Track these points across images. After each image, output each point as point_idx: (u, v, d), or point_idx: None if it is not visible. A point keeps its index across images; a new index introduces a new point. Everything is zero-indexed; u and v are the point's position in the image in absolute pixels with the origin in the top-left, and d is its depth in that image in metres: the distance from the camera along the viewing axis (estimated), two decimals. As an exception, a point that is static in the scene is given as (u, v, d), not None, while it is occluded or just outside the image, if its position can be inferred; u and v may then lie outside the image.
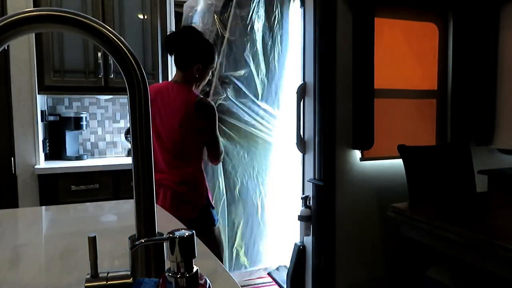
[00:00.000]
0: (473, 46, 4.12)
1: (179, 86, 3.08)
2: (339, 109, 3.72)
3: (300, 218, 3.87)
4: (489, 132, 4.11)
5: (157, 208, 1.01)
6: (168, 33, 3.30)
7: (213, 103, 3.19)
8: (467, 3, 4.05)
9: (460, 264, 3.13)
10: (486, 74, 4.09)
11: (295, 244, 4.07)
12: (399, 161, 3.52)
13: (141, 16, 4.39)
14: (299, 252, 4.00)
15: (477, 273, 3.00)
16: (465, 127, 4.17)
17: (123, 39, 0.89)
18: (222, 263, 3.02)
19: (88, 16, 0.86)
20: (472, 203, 3.16)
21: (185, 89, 3.07)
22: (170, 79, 4.66)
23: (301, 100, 3.90)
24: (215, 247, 3.22)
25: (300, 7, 3.90)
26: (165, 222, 1.91)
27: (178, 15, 4.93)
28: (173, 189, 3.06)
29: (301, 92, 3.88)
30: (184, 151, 3.11)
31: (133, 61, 0.89)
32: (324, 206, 3.73)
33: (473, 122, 4.20)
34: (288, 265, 4.16)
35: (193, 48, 3.10)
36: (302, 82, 3.91)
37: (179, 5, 5.00)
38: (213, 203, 3.40)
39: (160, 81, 4.50)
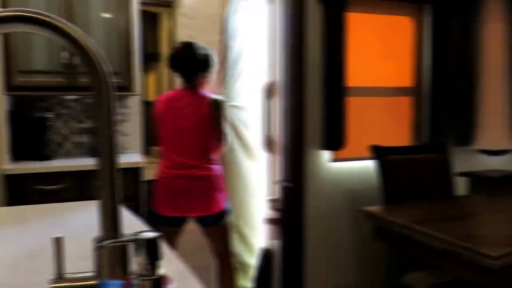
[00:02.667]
0: (452, 41, 4.08)
1: (191, 91, 3.51)
2: (309, 108, 3.69)
3: (267, 221, 3.85)
4: (470, 132, 4.07)
5: (123, 210, 1.00)
6: (170, 53, 3.68)
7: (224, 98, 3.75)
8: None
9: (437, 272, 3.06)
10: (466, 70, 4.05)
11: (262, 248, 4.05)
12: (373, 162, 3.51)
13: (106, 15, 4.36)
14: (266, 257, 3.97)
15: (455, 281, 2.93)
16: (443, 127, 4.10)
17: (88, 37, 0.88)
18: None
19: (53, 16, 0.85)
20: (449, 207, 3.14)
21: (197, 92, 3.51)
22: (135, 78, 4.65)
23: (268, 99, 3.88)
24: (228, 233, 3.70)
25: (269, 2, 3.86)
26: (130, 223, 1.90)
27: (144, 14, 4.91)
28: (208, 182, 3.47)
29: (269, 90, 3.87)
30: (209, 146, 3.51)
31: (97, 60, 0.88)
32: (293, 209, 3.70)
33: (452, 121, 4.14)
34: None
35: (192, 63, 3.47)
36: (270, 80, 3.88)
37: (146, 3, 4.97)
38: None
39: (125, 80, 4.46)
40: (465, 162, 4.07)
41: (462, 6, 4.03)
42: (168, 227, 3.44)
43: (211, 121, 3.45)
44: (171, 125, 3.47)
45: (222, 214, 3.53)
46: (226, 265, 3.69)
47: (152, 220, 3.36)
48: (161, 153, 3.60)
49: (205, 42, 3.72)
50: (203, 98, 3.47)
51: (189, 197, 3.43)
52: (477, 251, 2.15)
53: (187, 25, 4.92)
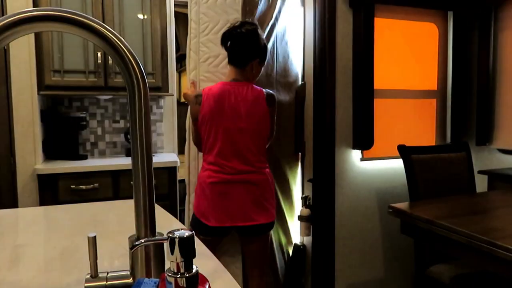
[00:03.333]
0: (472, 46, 4.14)
1: (243, 84, 3.06)
2: (339, 109, 3.74)
3: (300, 218, 3.86)
4: (489, 132, 4.11)
5: (157, 208, 1.01)
6: (229, 28, 3.10)
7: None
8: (466, 3, 4.05)
9: (460, 264, 3.15)
10: (486, 74, 4.08)
11: (295, 244, 4.07)
12: (399, 161, 3.53)
13: (141, 16, 4.39)
14: (298, 252, 3.99)
15: (477, 273, 3.01)
16: (465, 127, 4.19)
17: (122, 39, 0.89)
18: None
19: (88, 16, 0.86)
20: (472, 203, 3.16)
21: (250, 86, 3.07)
22: (170, 78, 4.66)
23: (301, 100, 3.90)
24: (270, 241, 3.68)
25: (301, 6, 3.91)
26: (165, 222, 1.90)
27: (178, 15, 4.93)
28: (264, 188, 3.10)
29: (301, 92, 3.89)
30: (263, 148, 3.16)
31: (132, 61, 0.89)
32: (324, 206, 3.73)
33: (473, 122, 4.21)
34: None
35: (251, 44, 3.05)
36: (302, 81, 3.91)
37: (178, 5, 4.99)
38: None
39: (160, 80, 4.48)
40: (485, 160, 4.21)
41: (481, 13, 4.10)
42: (213, 236, 3.10)
43: (267, 120, 3.09)
44: (224, 124, 2.98)
45: (273, 223, 3.18)
46: (264, 274, 3.33)
47: (195, 226, 3.10)
48: (206, 155, 3.11)
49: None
50: (259, 93, 3.07)
51: (243, 205, 3.03)
52: (497, 244, 2.19)
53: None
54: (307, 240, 3.97)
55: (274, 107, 3.15)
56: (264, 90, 3.11)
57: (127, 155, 4.87)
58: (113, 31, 0.88)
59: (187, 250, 0.80)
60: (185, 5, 4.19)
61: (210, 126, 3.00)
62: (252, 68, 3.08)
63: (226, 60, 3.17)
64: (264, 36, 3.39)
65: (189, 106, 3.27)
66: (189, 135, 3.56)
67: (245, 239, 3.22)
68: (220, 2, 3.56)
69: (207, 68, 3.55)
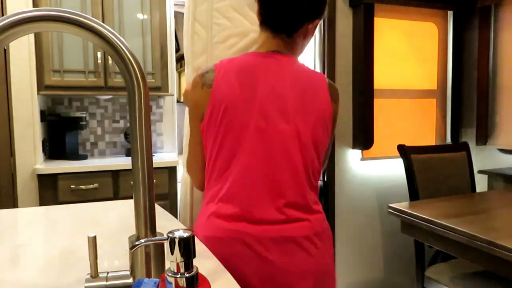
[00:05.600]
0: (472, 46, 4.14)
1: (289, 59, 1.82)
2: (339, 108, 3.71)
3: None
4: (489, 132, 4.11)
5: (157, 208, 1.01)
6: None
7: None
8: (466, 3, 4.06)
9: (460, 264, 3.15)
10: (486, 74, 4.08)
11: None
12: (399, 161, 3.54)
13: (140, 16, 4.39)
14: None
15: (477, 273, 3.01)
16: (465, 127, 4.20)
17: (122, 39, 0.89)
18: None
19: (88, 16, 0.86)
20: (470, 202, 3.16)
21: (301, 64, 1.87)
22: (170, 78, 4.64)
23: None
24: None
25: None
26: (165, 222, 1.91)
27: (178, 15, 4.93)
28: (323, 250, 1.76)
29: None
30: (320, 172, 1.87)
31: (132, 61, 0.89)
32: (324, 206, 3.73)
33: (473, 122, 4.21)
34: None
35: (303, 1, 1.75)
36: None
37: (178, 4, 4.99)
38: None
39: (160, 80, 4.48)
40: (485, 160, 4.21)
41: (480, 13, 4.09)
42: None
43: (329, 124, 1.83)
44: (253, 123, 1.67)
45: None
46: None
47: None
48: (212, 186, 1.78)
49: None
50: (318, 77, 1.85)
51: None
52: (497, 244, 2.21)
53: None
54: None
55: (338, 104, 1.91)
56: (323, 75, 1.90)
57: (127, 155, 4.87)
58: (113, 31, 0.88)
59: (187, 250, 0.80)
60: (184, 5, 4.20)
61: (226, 127, 1.68)
62: (305, 34, 1.84)
63: (259, 42, 1.93)
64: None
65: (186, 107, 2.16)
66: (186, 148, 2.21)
67: None
68: None
69: (226, 53, 2.30)
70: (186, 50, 2.44)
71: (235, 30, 2.29)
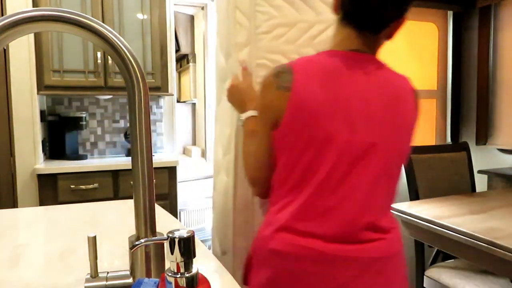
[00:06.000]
0: (472, 46, 4.14)
1: (372, 59, 1.65)
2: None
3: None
4: (489, 132, 4.11)
5: (157, 208, 1.01)
6: None
7: None
8: (466, 3, 4.06)
9: (460, 264, 3.16)
10: (486, 74, 4.08)
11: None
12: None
13: (140, 16, 4.39)
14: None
15: (477, 273, 3.02)
16: (465, 127, 4.21)
17: (122, 39, 0.89)
18: None
19: (88, 16, 0.86)
20: (472, 203, 3.16)
21: (385, 65, 1.69)
22: (170, 78, 4.64)
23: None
24: None
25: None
26: (165, 222, 1.91)
27: (178, 15, 4.93)
28: (399, 275, 1.63)
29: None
30: (396, 190, 1.72)
31: (132, 61, 0.89)
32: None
33: (472, 122, 4.20)
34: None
35: None
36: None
37: (178, 4, 5.00)
38: None
39: (160, 80, 4.48)
40: (484, 160, 4.21)
41: (480, 13, 4.09)
42: None
43: (411, 135, 1.68)
44: (339, 136, 1.51)
45: None
46: None
47: None
48: (283, 197, 1.62)
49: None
50: (403, 81, 1.69)
51: None
52: (497, 244, 2.21)
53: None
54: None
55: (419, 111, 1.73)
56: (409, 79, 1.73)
57: (127, 155, 4.87)
58: (113, 31, 0.88)
59: (187, 250, 0.80)
60: (185, 5, 4.18)
61: (309, 137, 1.52)
62: (390, 34, 1.67)
63: (309, 33, 2.07)
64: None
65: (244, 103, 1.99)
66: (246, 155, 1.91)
67: None
68: None
69: (272, 44, 2.09)
70: (223, 41, 2.22)
71: (281, 20, 2.10)
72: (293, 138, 1.54)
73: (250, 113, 1.91)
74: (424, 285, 3.17)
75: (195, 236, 0.85)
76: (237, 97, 2.03)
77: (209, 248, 2.64)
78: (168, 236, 0.81)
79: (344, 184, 1.52)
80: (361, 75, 1.57)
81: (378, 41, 1.65)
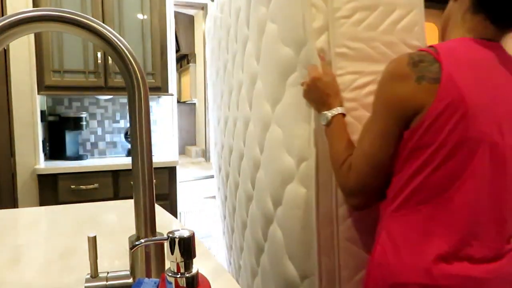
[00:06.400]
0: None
1: (503, 49, 1.47)
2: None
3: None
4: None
5: (157, 208, 1.01)
6: None
7: None
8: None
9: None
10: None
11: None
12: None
13: (140, 16, 4.39)
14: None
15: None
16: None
17: (122, 39, 0.89)
18: None
19: (88, 16, 0.86)
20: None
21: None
22: (170, 79, 4.64)
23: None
24: None
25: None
26: (165, 222, 1.91)
27: (178, 15, 4.94)
28: None
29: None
30: None
31: (132, 61, 0.89)
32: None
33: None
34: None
35: None
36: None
37: (178, 5, 5.00)
38: None
39: (160, 80, 4.48)
40: None
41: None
42: None
43: None
44: (487, 139, 1.33)
45: None
46: None
47: None
48: (405, 204, 1.43)
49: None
50: None
51: None
52: None
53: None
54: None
55: None
56: None
57: (127, 155, 4.87)
58: (113, 31, 0.88)
59: (187, 250, 0.80)
60: (185, 5, 4.19)
61: (459, 140, 1.32)
62: None
63: (391, 18, 1.90)
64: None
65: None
66: (339, 157, 1.65)
67: None
68: None
69: (353, 30, 1.81)
70: (289, 28, 1.92)
71: (363, 2, 1.81)
72: (438, 138, 1.32)
73: (339, 109, 1.71)
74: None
75: (195, 236, 0.85)
76: (319, 92, 1.76)
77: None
78: (168, 236, 0.81)
79: (491, 195, 1.35)
80: (504, 69, 1.41)
81: (505, 35, 1.47)
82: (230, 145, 3.04)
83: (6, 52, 3.84)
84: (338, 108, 1.70)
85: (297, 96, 1.91)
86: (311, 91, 1.78)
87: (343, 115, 1.71)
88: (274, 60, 2.07)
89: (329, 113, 1.71)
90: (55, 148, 4.50)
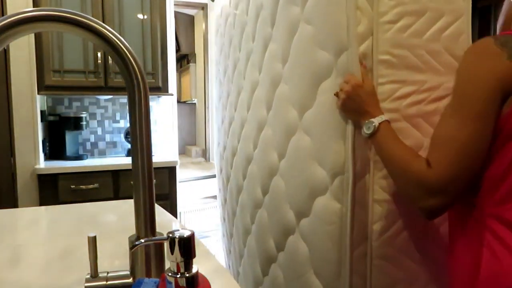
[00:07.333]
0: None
1: None
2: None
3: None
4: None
5: (157, 208, 1.01)
6: None
7: None
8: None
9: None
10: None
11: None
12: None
13: (140, 16, 4.39)
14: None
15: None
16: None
17: (122, 39, 0.89)
18: None
19: (88, 16, 0.86)
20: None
21: None
22: (170, 78, 4.64)
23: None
24: None
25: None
26: (165, 222, 1.91)
27: (178, 15, 4.94)
28: None
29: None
30: None
31: (132, 61, 0.89)
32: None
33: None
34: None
35: None
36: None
37: (178, 5, 5.00)
38: None
39: (160, 80, 4.48)
40: None
41: (480, 13, 4.08)
42: None
43: None
44: None
45: None
46: None
47: None
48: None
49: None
50: None
51: None
52: None
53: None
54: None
55: None
56: None
57: (127, 155, 4.87)
58: (113, 31, 0.88)
59: (187, 250, 0.81)
60: (185, 5, 4.19)
61: None
62: None
63: (437, 25, 1.82)
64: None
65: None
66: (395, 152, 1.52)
67: None
68: None
69: (398, 37, 1.73)
70: (327, 32, 1.82)
71: (410, 6, 1.73)
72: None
73: (383, 117, 1.59)
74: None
75: (195, 236, 0.85)
76: (361, 100, 1.64)
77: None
78: (168, 236, 0.81)
79: None
80: None
81: None
82: (233, 147, 3.00)
83: (6, 52, 3.84)
84: (382, 116, 1.59)
85: (330, 105, 1.80)
86: (351, 99, 1.65)
87: (389, 122, 1.59)
88: (307, 64, 1.97)
89: (375, 120, 1.58)
90: (55, 148, 4.50)
